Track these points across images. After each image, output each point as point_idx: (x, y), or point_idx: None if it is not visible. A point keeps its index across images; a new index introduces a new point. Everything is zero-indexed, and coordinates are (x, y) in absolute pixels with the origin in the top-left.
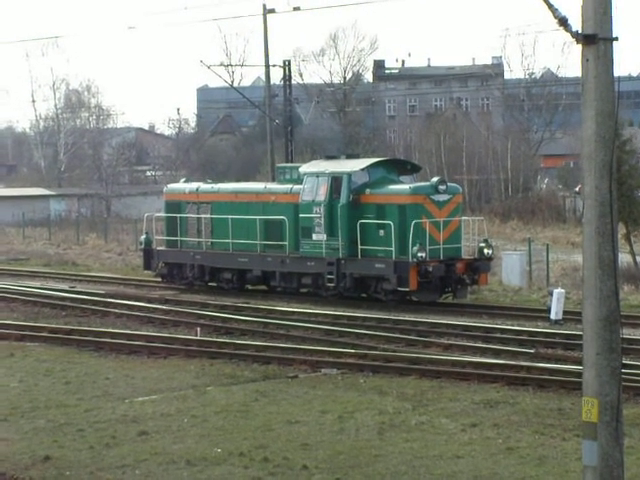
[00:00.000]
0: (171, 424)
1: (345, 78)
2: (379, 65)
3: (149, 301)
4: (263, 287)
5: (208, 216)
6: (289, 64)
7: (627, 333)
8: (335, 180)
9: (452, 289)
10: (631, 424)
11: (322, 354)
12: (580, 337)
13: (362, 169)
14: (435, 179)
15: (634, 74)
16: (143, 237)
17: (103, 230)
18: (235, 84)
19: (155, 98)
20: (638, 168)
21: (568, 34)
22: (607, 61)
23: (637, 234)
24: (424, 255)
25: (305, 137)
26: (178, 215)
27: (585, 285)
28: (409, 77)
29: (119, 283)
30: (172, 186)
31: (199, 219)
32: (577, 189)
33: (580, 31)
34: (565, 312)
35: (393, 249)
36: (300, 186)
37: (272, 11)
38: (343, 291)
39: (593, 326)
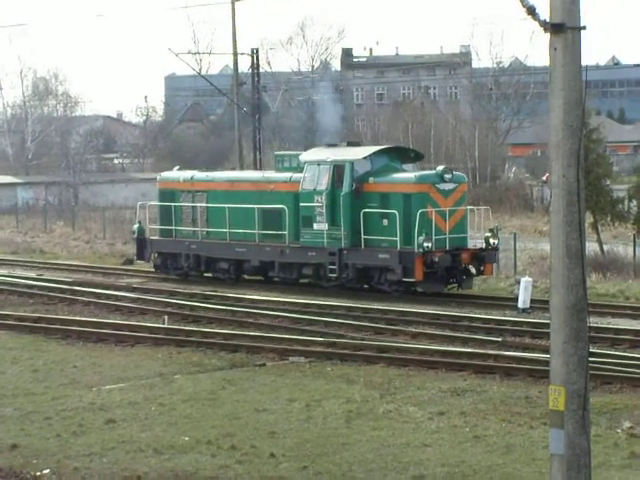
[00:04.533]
0: (138, 412)
1: (313, 66)
2: (347, 53)
3: (117, 289)
4: (260, 278)
5: (204, 205)
6: (257, 52)
7: (594, 321)
8: (337, 168)
9: (457, 280)
10: (598, 412)
11: (290, 342)
12: (547, 325)
13: (365, 157)
14: (440, 167)
15: (601, 63)
16: (136, 226)
17: (71, 218)
18: (203, 72)
19: (123, 86)
20: (605, 157)
21: (536, 23)
22: (575, 50)
23: (604, 223)
24: (430, 245)
25: (273, 125)
26: (172, 204)
27: (552, 274)
28: (377, 65)
29: (87, 271)
30: (166, 174)
31: (194, 208)
32: (544, 178)
33: (548, 20)
34: (532, 301)
35: (398, 239)
36: (300, 174)
37: None
38: (345, 282)
39: (560, 314)
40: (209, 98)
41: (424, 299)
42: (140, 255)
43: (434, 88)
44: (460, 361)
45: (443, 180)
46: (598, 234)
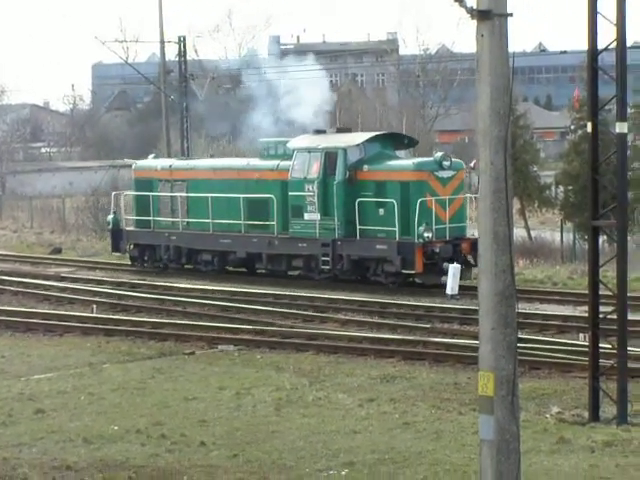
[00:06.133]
0: (68, 402)
1: (240, 54)
2: (274, 41)
3: (45, 278)
4: (243, 270)
5: (184, 194)
6: (184, 40)
7: (522, 307)
8: (329, 156)
9: None
10: (527, 398)
11: (219, 330)
12: (476, 312)
13: (358, 144)
14: (439, 154)
15: (528, 50)
16: (110, 217)
17: None
18: (130, 60)
19: (50, 74)
20: (532, 143)
21: (463, 10)
22: (502, 37)
23: (532, 209)
24: (431, 235)
25: (200, 113)
26: (150, 194)
27: (481, 260)
28: (304, 53)
29: (14, 260)
30: (142, 163)
31: (173, 198)
32: (472, 164)
33: (475, 7)
34: (461, 287)
35: (396, 229)
36: (287, 162)
37: None
38: (339, 274)
39: (489, 301)
40: (136, 86)
41: (352, 286)
42: (115, 247)
43: (361, 75)
44: (389, 348)
45: (442, 167)
46: (525, 220)
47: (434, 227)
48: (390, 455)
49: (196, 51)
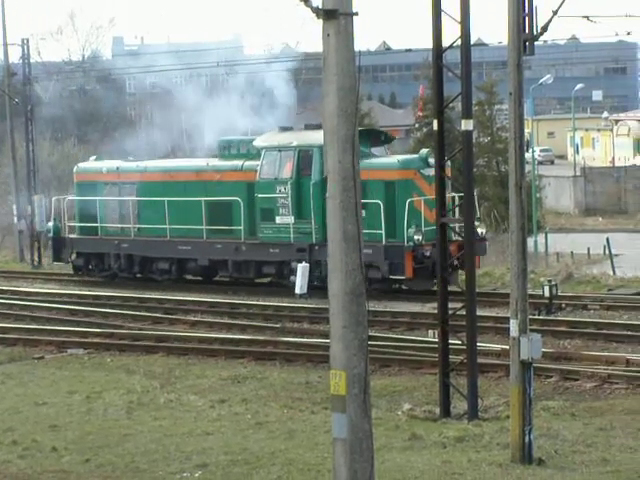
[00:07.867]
0: None
1: (84, 56)
2: (118, 42)
3: None
4: (199, 278)
5: (134, 198)
6: (27, 42)
7: (372, 305)
8: (303, 154)
9: None
10: (378, 395)
11: (68, 334)
12: (325, 310)
13: None
14: (424, 150)
15: (372, 48)
16: (51, 224)
17: None
18: None
19: None
20: None
21: (309, 9)
22: (348, 36)
23: None
24: (421, 238)
25: (45, 116)
26: (95, 198)
27: (330, 259)
28: (149, 54)
29: None
30: (84, 165)
31: (122, 202)
32: None
33: (321, 6)
34: (311, 286)
35: (383, 232)
36: (253, 162)
37: None
38: (317, 281)
39: (339, 299)
40: None
41: (201, 287)
42: (57, 256)
43: (206, 75)
44: (239, 348)
45: (428, 165)
46: None
47: (423, 229)
48: (243, 456)
49: (39, 53)
